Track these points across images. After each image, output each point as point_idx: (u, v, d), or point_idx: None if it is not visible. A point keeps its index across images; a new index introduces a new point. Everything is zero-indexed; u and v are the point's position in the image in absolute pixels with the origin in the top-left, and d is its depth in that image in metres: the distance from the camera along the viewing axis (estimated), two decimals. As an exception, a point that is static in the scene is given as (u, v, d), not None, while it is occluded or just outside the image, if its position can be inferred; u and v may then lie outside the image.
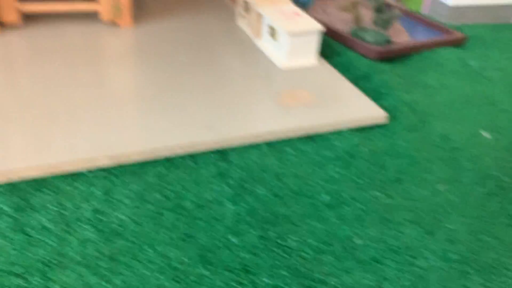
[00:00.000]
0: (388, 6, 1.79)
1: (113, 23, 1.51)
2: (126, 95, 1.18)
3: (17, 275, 0.74)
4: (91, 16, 1.53)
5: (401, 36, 1.67)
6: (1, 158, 0.92)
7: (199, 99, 1.20)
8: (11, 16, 1.39)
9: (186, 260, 0.81)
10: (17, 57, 1.30)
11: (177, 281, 0.77)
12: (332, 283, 0.80)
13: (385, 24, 1.55)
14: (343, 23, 1.71)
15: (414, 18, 1.78)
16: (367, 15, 1.71)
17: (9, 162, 0.91)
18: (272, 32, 1.41)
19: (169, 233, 0.85)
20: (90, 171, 0.95)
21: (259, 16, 1.46)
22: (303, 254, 0.85)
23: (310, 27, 1.36)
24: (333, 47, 1.56)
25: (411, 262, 0.85)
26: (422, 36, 1.71)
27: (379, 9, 1.56)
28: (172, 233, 0.85)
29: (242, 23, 1.59)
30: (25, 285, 0.73)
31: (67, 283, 0.74)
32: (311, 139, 1.13)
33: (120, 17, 1.48)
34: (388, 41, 1.56)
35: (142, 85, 1.23)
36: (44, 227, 0.83)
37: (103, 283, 0.75)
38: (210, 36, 1.53)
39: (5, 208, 0.85)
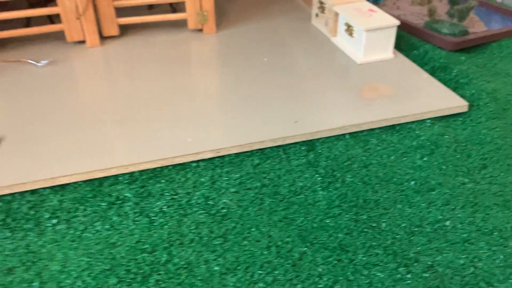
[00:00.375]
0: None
1: (198, 30, 1.64)
2: (219, 94, 1.30)
3: (147, 252, 0.87)
4: (177, 24, 1.67)
5: (477, 26, 1.66)
6: (123, 154, 1.06)
7: (284, 95, 1.29)
8: (112, 30, 1.57)
9: (288, 239, 0.90)
10: (118, 64, 1.47)
11: (282, 258, 0.86)
12: (426, 261, 0.86)
13: (461, 15, 1.56)
14: (415, 17, 1.73)
15: (489, 7, 1.76)
16: (440, 8, 1.72)
17: (129, 157, 1.06)
18: (349, 29, 1.47)
19: (270, 216, 0.95)
20: (195, 163, 1.07)
21: (335, 14, 1.53)
22: (395, 235, 0.91)
23: (386, 23, 1.41)
24: (408, 40, 1.59)
25: (503, 244, 0.89)
26: (498, 25, 1.68)
27: (454, 1, 1.56)
28: (272, 216, 0.95)
29: (317, 23, 1.66)
30: (154, 260, 0.86)
31: (189, 259, 0.86)
32: (393, 129, 1.18)
33: (204, 25, 1.61)
34: (465, 32, 1.56)
35: (231, 85, 1.34)
36: (163, 211, 0.96)
37: (219, 259, 0.86)
38: (288, 36, 1.62)
39: (129, 195, 0.99)
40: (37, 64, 1.45)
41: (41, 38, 1.58)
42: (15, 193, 0.99)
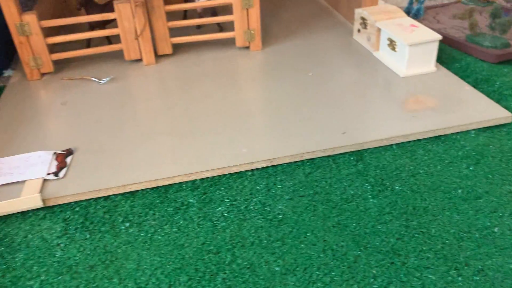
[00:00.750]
0: (507, 10, 1.81)
1: (245, 47, 1.74)
2: (268, 107, 1.38)
3: (213, 253, 0.95)
4: (225, 42, 1.77)
5: (519, 37, 1.69)
6: (186, 164, 1.15)
7: (331, 108, 1.36)
8: (166, 49, 1.68)
9: (342, 243, 0.96)
10: (172, 80, 1.58)
11: (338, 260, 0.92)
12: (476, 265, 0.90)
13: (502, 28, 1.59)
14: (456, 30, 1.77)
15: (531, 18, 1.78)
16: (481, 21, 1.75)
17: (191, 167, 1.15)
18: (391, 44, 1.52)
19: (324, 222, 1.01)
20: (251, 172, 1.15)
21: (378, 30, 1.59)
22: (445, 240, 0.95)
23: (429, 37, 1.46)
24: (449, 53, 1.63)
25: (552, 250, 0.92)
26: (541, 36, 1.70)
27: (496, 14, 1.60)
28: (326, 221, 1.01)
29: (359, 38, 1.73)
30: (220, 260, 0.94)
31: (251, 260, 0.93)
32: (439, 140, 1.23)
33: (251, 42, 1.70)
34: (507, 45, 1.59)
35: (280, 99, 1.42)
36: (224, 216, 1.04)
37: (279, 260, 0.93)
38: (330, 51, 1.69)
39: (193, 201, 1.07)
40: (100, 81, 1.57)
41: (100, 57, 1.71)
42: (90, 199, 1.09)
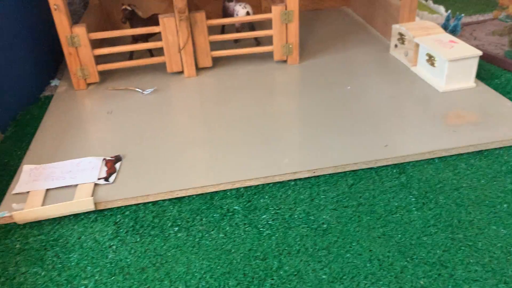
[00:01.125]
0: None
1: (282, 61, 1.77)
2: (308, 119, 1.41)
3: (260, 259, 0.97)
4: (262, 56, 1.81)
5: (559, 54, 1.68)
6: (230, 172, 1.19)
7: (370, 121, 1.37)
8: (206, 62, 1.73)
9: (388, 254, 0.97)
10: (213, 92, 1.62)
11: (384, 270, 0.93)
12: (526, 280, 0.89)
13: (543, 44, 1.59)
14: (494, 47, 1.77)
15: None
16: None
17: (235, 175, 1.18)
18: (430, 59, 1.54)
19: (368, 232, 1.02)
20: (293, 182, 1.17)
21: (416, 45, 1.61)
22: (492, 254, 0.95)
23: (468, 53, 1.47)
24: (488, 69, 1.64)
25: None
26: None
27: (536, 31, 1.60)
28: (371, 232, 1.02)
29: (396, 53, 1.74)
30: (267, 266, 0.96)
31: (297, 267, 0.95)
32: (481, 154, 1.23)
33: (289, 56, 1.74)
34: (547, 61, 1.58)
35: (319, 111, 1.44)
36: (269, 224, 1.06)
37: (325, 269, 0.94)
38: (367, 66, 1.71)
39: (238, 208, 1.10)
40: (143, 92, 1.63)
41: (142, 69, 1.78)
42: (139, 204, 1.13)
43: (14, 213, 1.06)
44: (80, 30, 1.57)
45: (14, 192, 1.15)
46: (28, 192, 1.15)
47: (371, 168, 1.21)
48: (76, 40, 1.58)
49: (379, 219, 1.06)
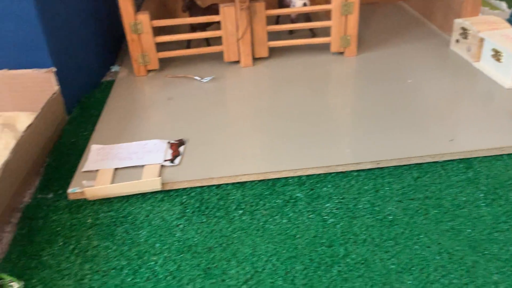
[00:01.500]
0: None
1: (339, 53, 1.76)
2: (369, 111, 1.39)
3: (325, 246, 0.97)
4: (318, 48, 1.80)
5: None
6: (292, 160, 1.19)
7: (434, 115, 1.35)
8: (262, 52, 1.74)
9: (458, 248, 0.95)
10: (269, 81, 1.63)
11: (455, 264, 0.91)
12: None
13: None
14: (563, 44, 1.70)
15: None
16: None
17: (297, 163, 1.18)
18: (496, 55, 1.49)
19: (437, 226, 1.00)
20: (356, 172, 1.17)
21: (480, 40, 1.56)
22: None
23: (539, 49, 1.41)
24: (558, 67, 1.57)
25: None
26: None
27: None
28: (439, 225, 1.00)
29: (458, 48, 1.70)
30: (333, 253, 0.96)
31: (364, 255, 0.95)
32: (553, 153, 1.18)
33: (347, 48, 1.73)
34: None
35: (379, 103, 1.43)
36: (333, 212, 1.06)
37: (393, 259, 0.93)
38: (427, 61, 1.68)
39: (301, 196, 1.10)
40: (202, 80, 1.66)
41: (199, 58, 1.80)
42: (204, 186, 1.15)
43: (86, 189, 1.11)
44: (144, 17, 1.61)
45: (83, 170, 1.20)
46: (97, 170, 1.19)
47: (436, 162, 1.19)
48: (139, 27, 1.62)
49: (446, 213, 1.04)
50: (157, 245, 1.00)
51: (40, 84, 1.42)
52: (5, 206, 1.07)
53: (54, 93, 1.31)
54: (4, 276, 0.89)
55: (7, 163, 1.03)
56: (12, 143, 1.30)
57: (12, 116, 1.45)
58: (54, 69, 1.39)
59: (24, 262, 0.97)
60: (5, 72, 1.41)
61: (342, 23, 1.69)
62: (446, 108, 1.39)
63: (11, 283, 0.90)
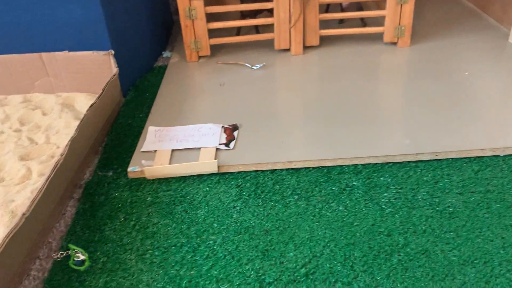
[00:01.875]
0: None
1: (391, 43, 1.73)
2: (425, 103, 1.36)
3: (384, 235, 0.97)
4: (369, 37, 1.78)
5: None
6: (348, 148, 1.19)
7: (494, 109, 1.31)
8: (313, 40, 1.73)
9: (523, 243, 0.92)
10: (319, 71, 1.62)
11: (520, 259, 0.89)
12: None
13: None
14: None
15: None
16: None
17: (353, 151, 1.17)
18: (562, 48, 1.43)
19: (499, 220, 0.98)
20: (414, 163, 1.15)
21: (545, 33, 1.50)
22: None
23: None
24: None
25: None
26: None
27: None
28: (502, 220, 0.98)
29: (518, 41, 1.64)
30: (392, 242, 0.95)
31: (425, 246, 0.93)
32: None
33: (400, 38, 1.69)
34: None
35: (435, 95, 1.40)
36: (391, 202, 1.05)
37: (454, 251, 0.92)
38: (484, 53, 1.63)
39: (357, 184, 1.10)
40: (252, 67, 1.66)
41: (249, 45, 1.81)
42: (258, 170, 1.16)
43: (145, 168, 1.14)
44: (198, 3, 1.63)
45: (142, 150, 1.23)
46: (155, 151, 1.22)
47: (497, 156, 1.15)
48: (193, 12, 1.63)
49: (509, 208, 1.01)
50: (215, 225, 1.02)
51: (99, 66, 1.47)
52: (68, 181, 1.11)
53: (114, 74, 1.34)
54: (73, 246, 0.93)
55: (73, 140, 1.07)
56: (72, 122, 1.35)
57: (70, 96, 1.51)
58: (112, 51, 1.42)
59: (88, 235, 1.01)
60: (65, 54, 1.46)
61: (397, 12, 1.65)
62: (506, 101, 1.34)
63: (77, 254, 0.93)
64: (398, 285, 0.86)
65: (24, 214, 0.86)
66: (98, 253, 0.97)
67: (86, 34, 1.44)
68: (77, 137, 1.11)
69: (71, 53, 1.46)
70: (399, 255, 0.92)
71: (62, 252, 0.95)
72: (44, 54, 1.47)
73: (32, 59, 1.50)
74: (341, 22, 1.94)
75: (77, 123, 1.34)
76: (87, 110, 1.18)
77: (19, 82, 1.53)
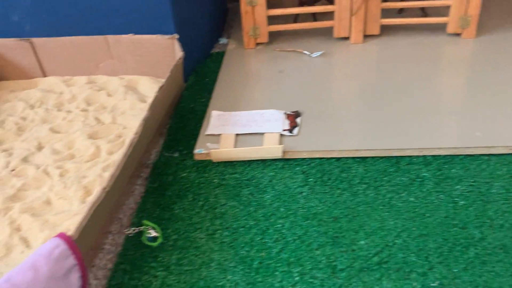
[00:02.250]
0: None
1: (455, 34, 1.67)
2: (495, 96, 1.31)
3: (459, 227, 0.94)
4: (430, 28, 1.72)
5: None
6: (417, 139, 1.16)
7: None
8: (374, 29, 1.70)
9: None
10: (380, 60, 1.58)
11: None
12: None
13: None
14: None
15: None
16: None
17: (423, 142, 1.14)
18: None
19: None
20: (487, 156, 1.11)
21: None
22: None
23: None
24: None
25: None
26: None
27: None
28: None
29: None
30: (468, 235, 0.92)
31: (502, 240, 0.90)
32: None
33: (465, 29, 1.64)
34: None
35: (507, 88, 1.34)
36: (464, 195, 1.01)
37: (535, 247, 0.88)
38: (557, 46, 1.55)
39: (428, 175, 1.07)
40: (311, 55, 1.65)
41: (306, 33, 1.79)
42: (323, 158, 1.15)
43: (212, 151, 1.15)
44: (259, -10, 1.63)
45: (206, 133, 1.24)
46: (219, 134, 1.23)
47: None
48: (254, -1, 1.64)
49: None
50: (282, 209, 1.02)
51: (162, 50, 1.49)
52: (137, 161, 1.14)
53: (180, 58, 1.36)
54: (148, 223, 0.95)
55: (146, 119, 1.09)
56: (137, 104, 1.38)
57: (133, 79, 1.54)
58: (177, 35, 1.44)
59: (159, 213, 1.03)
60: (131, 37, 1.48)
61: (464, 2, 1.59)
62: None
63: (149, 230, 0.95)
64: (477, 278, 0.84)
65: (104, 188, 0.88)
66: (169, 230, 0.99)
67: (152, 18, 1.46)
68: (149, 116, 1.13)
69: (136, 36, 1.49)
70: (476, 249, 0.89)
71: (135, 228, 0.98)
72: (109, 37, 1.51)
73: (97, 41, 1.53)
74: (401, 12, 1.89)
75: (141, 105, 1.37)
76: (157, 91, 1.20)
77: (84, 63, 1.58)
